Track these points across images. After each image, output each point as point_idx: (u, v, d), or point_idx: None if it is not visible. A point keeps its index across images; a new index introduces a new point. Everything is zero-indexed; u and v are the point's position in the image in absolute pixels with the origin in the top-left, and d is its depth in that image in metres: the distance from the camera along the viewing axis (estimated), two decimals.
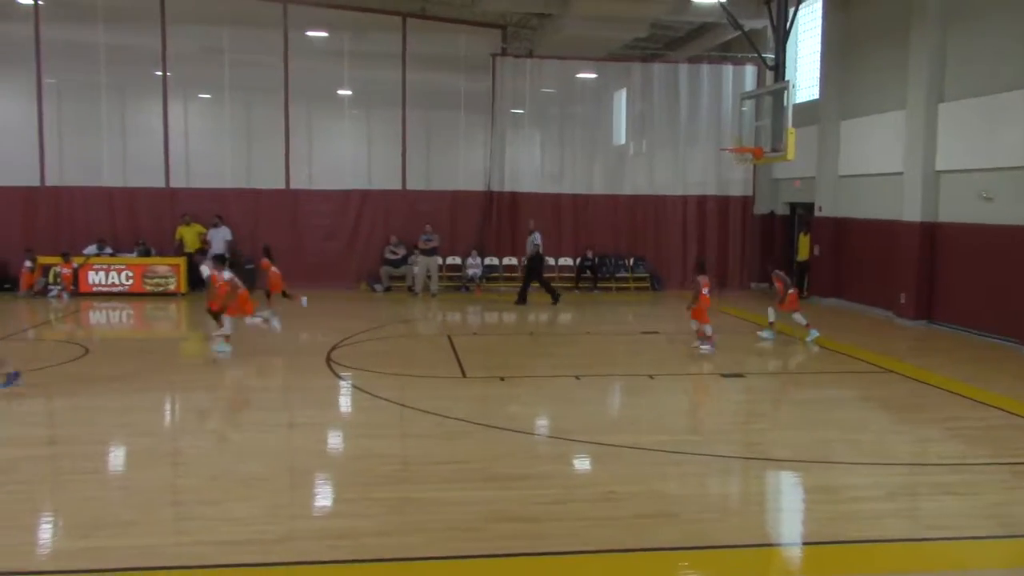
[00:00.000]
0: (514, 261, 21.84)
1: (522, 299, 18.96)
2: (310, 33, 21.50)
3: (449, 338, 14.41)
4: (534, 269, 19.10)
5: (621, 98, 24.20)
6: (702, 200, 22.34)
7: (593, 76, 22.79)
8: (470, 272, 21.31)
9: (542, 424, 9.30)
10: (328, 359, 12.11)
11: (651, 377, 11.42)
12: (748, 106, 16.57)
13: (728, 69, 22.16)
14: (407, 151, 21.96)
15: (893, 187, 16.99)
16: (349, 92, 22.57)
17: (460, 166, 22.49)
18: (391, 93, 21.70)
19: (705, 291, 12.87)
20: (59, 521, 6.18)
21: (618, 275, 22.04)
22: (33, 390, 10.44)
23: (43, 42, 20.01)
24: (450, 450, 7.93)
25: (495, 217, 21.93)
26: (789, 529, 6.58)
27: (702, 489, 7.19)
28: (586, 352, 13.53)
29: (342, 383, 10.95)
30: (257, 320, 13.02)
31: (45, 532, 6.07)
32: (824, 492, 7.00)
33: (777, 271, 14.61)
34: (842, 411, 9.78)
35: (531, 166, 22.71)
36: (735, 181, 22.21)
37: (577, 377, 11.20)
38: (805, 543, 6.19)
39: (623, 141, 24.23)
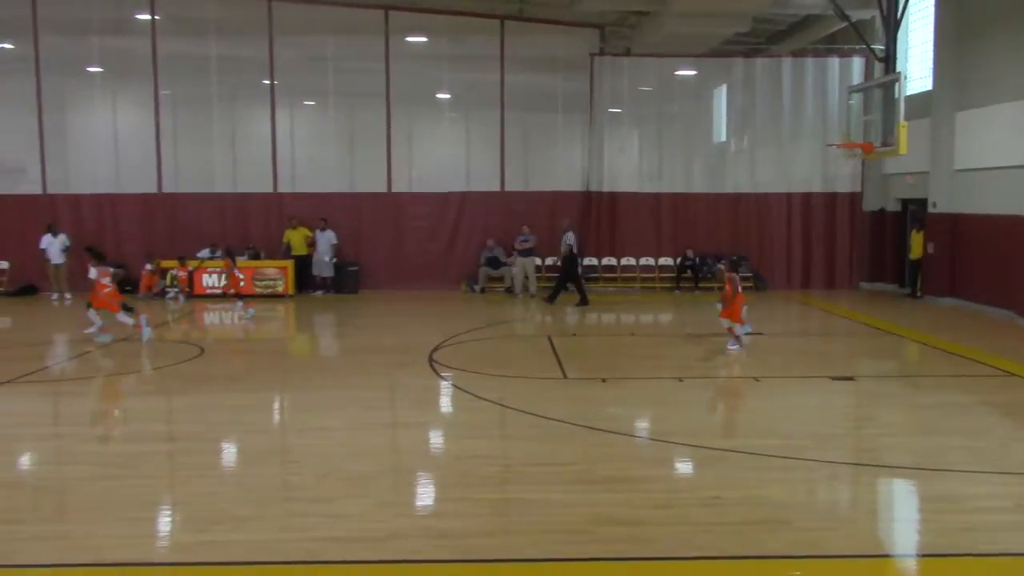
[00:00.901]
0: (613, 261, 21.73)
1: (552, 299, 18.80)
2: (410, 39, 21.87)
3: (549, 339, 14.42)
4: (568, 269, 18.87)
5: (721, 94, 23.74)
6: (807, 197, 21.70)
7: (692, 73, 22.44)
8: None
9: (644, 426, 9.20)
10: (430, 359, 12.28)
11: (756, 380, 11.15)
12: (856, 99, 16.06)
13: (834, 61, 21.44)
14: (505, 152, 22.10)
15: (1014, 181, 16.11)
16: (448, 95, 22.89)
17: (558, 167, 22.50)
18: (489, 95, 21.88)
19: (739, 288, 12.83)
20: (178, 515, 6.45)
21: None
22: (153, 388, 10.98)
23: (160, 55, 20.98)
24: (551, 452, 7.92)
25: (594, 217, 21.84)
26: (907, 540, 6.30)
27: (812, 496, 6.97)
28: (688, 354, 13.32)
29: (444, 383, 11.08)
30: (125, 318, 13.64)
31: (166, 525, 6.35)
32: (944, 501, 6.68)
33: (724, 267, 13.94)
34: (961, 417, 9.32)
35: (629, 165, 22.50)
36: (842, 177, 21.49)
37: (680, 379, 11.03)
38: (924, 555, 5.92)
39: (724, 138, 23.75)
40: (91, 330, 13.83)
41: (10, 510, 6.45)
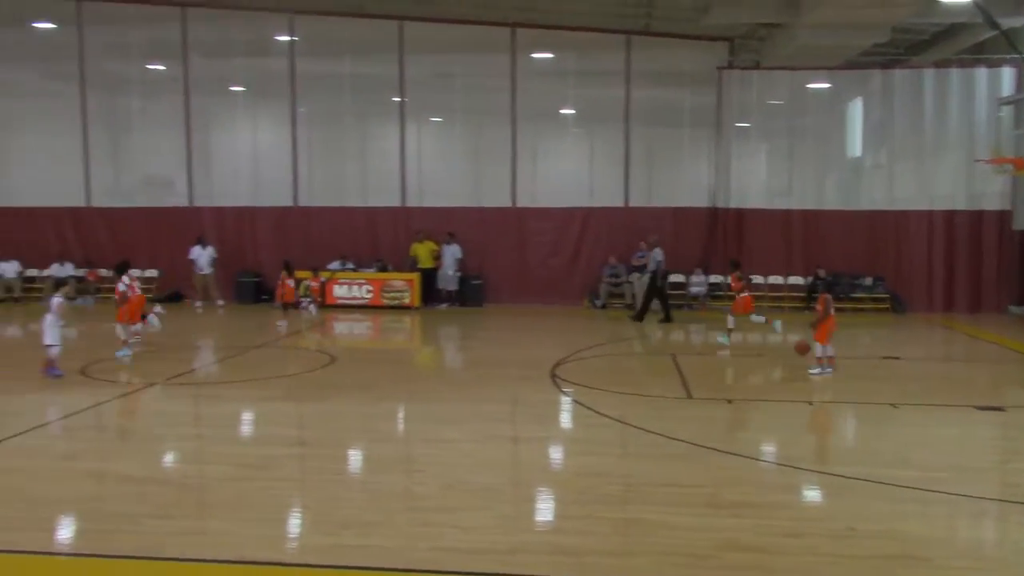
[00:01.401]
0: None
1: (639, 317, 18.70)
2: (536, 55, 22.10)
3: (673, 357, 14.21)
4: (655, 286, 18.66)
5: (856, 107, 22.86)
6: (950, 215, 20.60)
7: (826, 86, 21.72)
8: (693, 290, 20.93)
9: (772, 450, 8.92)
10: (552, 374, 12.31)
11: (894, 406, 10.64)
12: (1007, 112, 15.16)
13: (982, 72, 20.31)
14: (630, 168, 21.98)
15: None
16: (572, 111, 22.98)
17: (683, 182, 22.21)
18: (614, 110, 21.86)
19: (832, 311, 12.23)
20: (310, 518, 6.68)
21: (853, 295, 20.76)
22: (286, 394, 11.43)
23: (297, 75, 21.98)
24: (675, 472, 7.79)
25: (720, 234, 21.42)
26: None
27: (953, 532, 6.59)
28: (819, 377, 12.84)
29: (566, 399, 11.08)
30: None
31: (298, 527, 6.58)
32: None
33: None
34: None
35: (757, 181, 21.97)
36: (990, 194, 20.28)
37: (810, 403, 10.65)
38: None
39: (858, 153, 22.87)
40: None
41: (161, 506, 6.84)
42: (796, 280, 21.17)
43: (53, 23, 22.45)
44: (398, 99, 22.12)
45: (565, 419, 10.50)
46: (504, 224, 21.93)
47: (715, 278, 21.15)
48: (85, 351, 15.42)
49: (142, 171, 23.40)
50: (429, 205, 22.25)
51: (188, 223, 22.18)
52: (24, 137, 22.86)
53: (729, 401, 10.71)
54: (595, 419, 9.83)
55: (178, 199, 22.73)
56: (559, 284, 21.66)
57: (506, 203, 22.07)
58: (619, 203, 21.98)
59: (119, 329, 13.28)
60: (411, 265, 21.33)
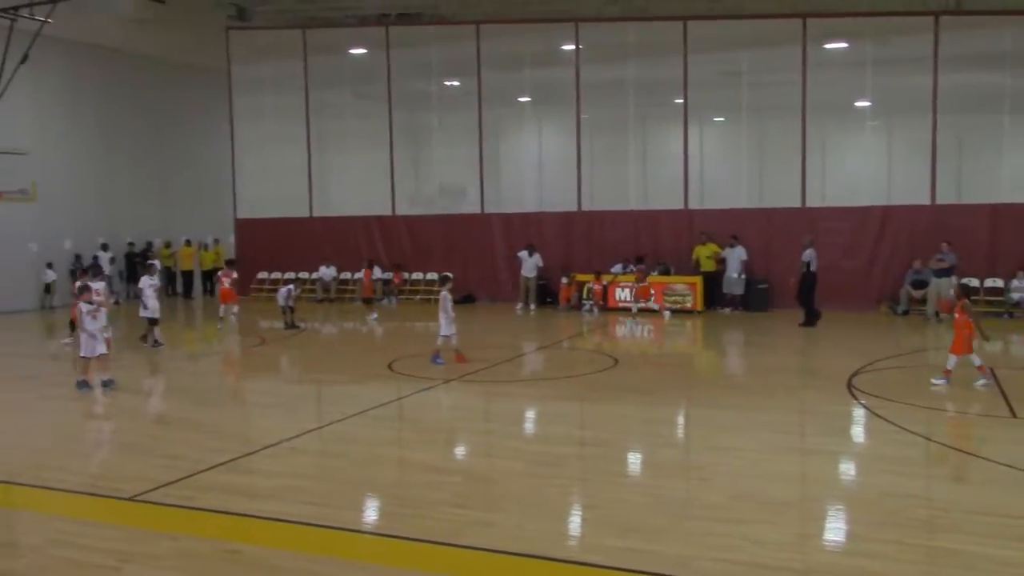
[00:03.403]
0: None
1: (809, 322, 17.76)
2: (828, 45, 20.87)
3: (991, 371, 12.71)
4: (806, 286, 17.72)
5: None
6: None
7: None
8: (1015, 296, 18.64)
9: None
10: (849, 384, 11.49)
11: None
12: None
13: None
14: (937, 161, 20.05)
15: None
16: (868, 103, 21.37)
17: (1000, 175, 19.87)
18: (917, 99, 20.07)
19: (970, 318, 11.10)
20: (597, 518, 6.71)
21: None
22: (572, 394, 11.66)
23: (581, 82, 22.45)
24: (993, 500, 6.91)
25: None
26: None
27: None
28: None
29: (864, 412, 10.28)
30: None
31: (586, 527, 6.64)
32: None
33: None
34: None
35: None
36: None
37: None
38: None
39: None
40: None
41: (457, 495, 7.23)
42: None
43: (364, 48, 24.77)
44: (681, 100, 21.84)
45: (864, 433, 9.74)
46: (792, 225, 20.85)
47: None
48: (391, 348, 16.82)
49: (438, 181, 25.13)
50: (712, 207, 21.76)
51: (479, 229, 23.50)
52: (340, 154, 25.43)
53: None
54: (899, 435, 9.01)
55: (471, 206, 24.12)
56: (853, 288, 20.21)
57: (794, 203, 20.99)
58: (923, 200, 20.10)
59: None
60: (694, 268, 20.97)
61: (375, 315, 20.31)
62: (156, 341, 15.75)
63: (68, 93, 25.02)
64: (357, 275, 24.40)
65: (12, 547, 6.44)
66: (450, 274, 15.40)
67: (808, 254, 17.94)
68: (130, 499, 7.13)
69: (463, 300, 22.71)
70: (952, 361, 11.27)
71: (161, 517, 6.77)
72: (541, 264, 21.93)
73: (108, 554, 5.95)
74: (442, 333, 13.27)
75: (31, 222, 23.30)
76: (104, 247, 24.94)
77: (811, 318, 17.88)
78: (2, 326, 18.52)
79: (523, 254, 22.03)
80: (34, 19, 18.74)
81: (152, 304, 15.58)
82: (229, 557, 5.90)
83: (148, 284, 15.76)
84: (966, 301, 11.46)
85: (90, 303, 11.74)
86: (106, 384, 11.91)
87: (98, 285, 13.98)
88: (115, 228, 26.14)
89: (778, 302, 20.44)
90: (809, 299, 17.97)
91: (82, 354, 11.84)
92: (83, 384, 11.80)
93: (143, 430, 10.14)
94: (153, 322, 15.75)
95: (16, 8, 18.37)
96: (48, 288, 23.90)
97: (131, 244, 26.65)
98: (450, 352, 13.43)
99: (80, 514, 6.92)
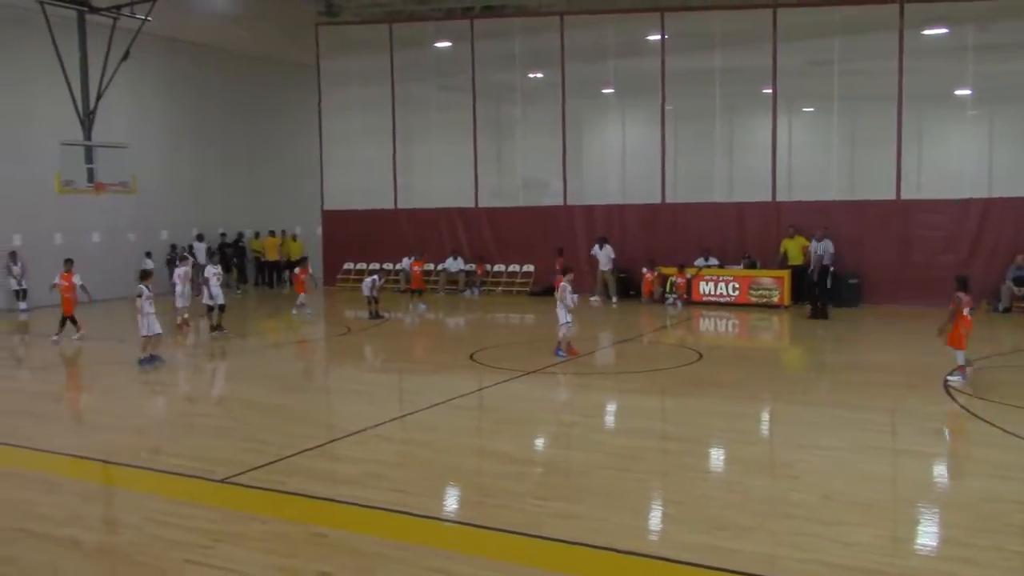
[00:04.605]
0: None
1: (822, 315, 17.97)
2: (927, 31, 20.03)
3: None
4: (820, 278, 18.06)
5: None
6: None
7: None
8: None
9: None
10: (945, 384, 11.04)
11: None
12: None
13: None
14: None
15: None
16: (969, 91, 20.45)
17: None
18: (1021, 87, 19.09)
19: (966, 311, 11.05)
20: (681, 514, 6.60)
21: None
22: (655, 388, 11.53)
23: (666, 72, 22.13)
24: None
25: None
26: None
27: None
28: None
29: (962, 412, 9.87)
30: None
31: (669, 522, 6.54)
32: None
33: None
34: None
35: None
36: None
37: None
38: None
39: None
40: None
41: (539, 486, 7.24)
42: None
43: (449, 41, 24.95)
44: (769, 90, 21.32)
45: (961, 435, 9.35)
46: (885, 218, 20.16)
47: None
48: (472, 339, 16.94)
49: (521, 173, 25.14)
50: (800, 199, 21.18)
51: (560, 221, 23.41)
52: (424, 146, 25.68)
53: None
54: (1001, 438, 8.62)
55: (553, 198, 24.05)
56: (950, 284, 19.25)
57: (888, 195, 20.24)
58: None
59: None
60: (781, 262, 20.46)
61: (423, 305, 21.02)
62: (220, 327, 16.53)
63: (165, 88, 25.92)
64: (440, 266, 24.65)
65: (113, 523, 6.71)
66: (570, 265, 15.34)
67: (822, 246, 18.05)
68: (221, 481, 7.36)
69: (544, 292, 22.67)
70: (960, 356, 11.15)
71: (251, 499, 6.96)
72: (613, 255, 21.67)
73: (202, 533, 6.15)
74: (561, 322, 13.29)
75: (130, 213, 24.24)
76: (200, 237, 25.77)
77: (822, 310, 18.07)
78: (104, 313, 19.32)
79: (595, 249, 21.87)
80: (135, 17, 19.43)
81: (216, 291, 16.56)
82: (316, 540, 6.02)
83: (213, 273, 16.81)
84: (960, 295, 11.34)
85: (149, 288, 13.09)
86: (155, 359, 13.17)
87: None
88: (208, 219, 27.01)
89: (869, 297, 19.80)
90: (822, 292, 18.18)
91: (143, 333, 13.04)
92: (144, 360, 13.03)
93: (233, 415, 10.44)
94: (221, 308, 16.62)
95: (119, 7, 19.08)
96: None
97: (223, 235, 27.47)
98: (565, 342, 13.45)
99: (174, 494, 7.16)
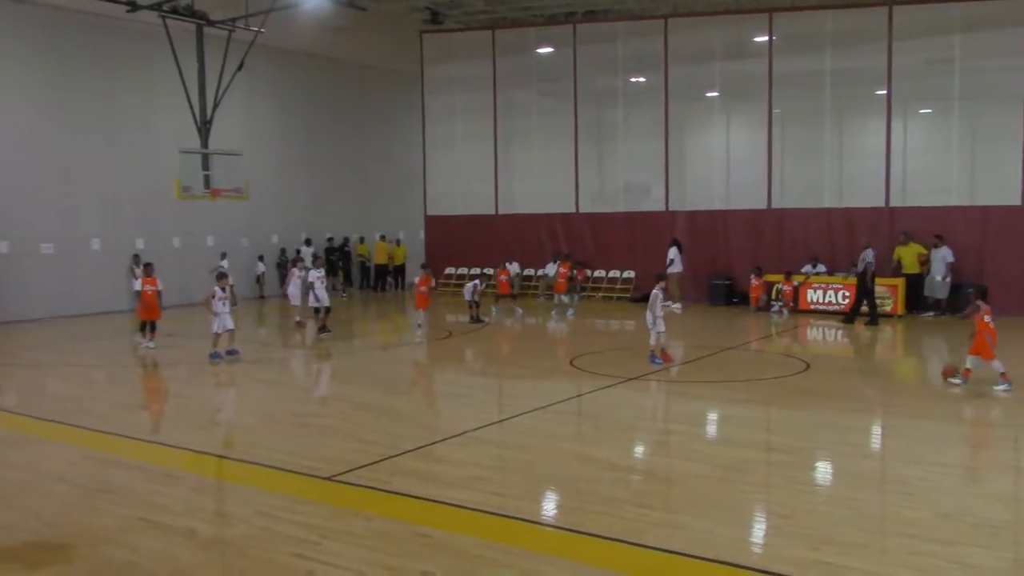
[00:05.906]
0: None
1: (850, 319, 18.31)
2: None
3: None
4: (863, 286, 18.03)
5: None
6: None
7: None
8: None
9: None
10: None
11: None
12: None
13: None
14: None
15: None
16: None
17: None
18: None
19: (988, 319, 11.16)
20: (787, 527, 6.41)
21: None
22: (760, 397, 11.24)
23: (774, 74, 21.59)
24: None
25: None
26: None
27: None
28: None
29: None
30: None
31: (775, 535, 6.35)
32: None
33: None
34: None
35: None
36: None
37: None
38: None
39: None
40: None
41: (640, 494, 7.15)
42: None
43: (551, 46, 25.01)
44: (883, 92, 20.53)
45: None
46: (1009, 224, 19.13)
47: None
48: (573, 344, 16.92)
49: (622, 178, 24.97)
50: (915, 204, 20.31)
51: (663, 227, 23.10)
52: (526, 151, 25.82)
53: None
54: None
55: (654, 204, 23.78)
56: None
57: (1012, 200, 19.22)
58: None
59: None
60: (894, 270, 19.67)
61: (520, 310, 21.42)
62: (325, 327, 17.04)
63: (276, 97, 26.88)
64: (540, 271, 24.70)
65: (225, 517, 6.98)
66: (663, 273, 15.38)
67: (868, 253, 18.08)
68: (328, 478, 7.55)
69: (643, 299, 22.37)
70: (971, 361, 11.32)
71: (356, 497, 7.12)
72: (672, 259, 21.14)
73: (310, 529, 6.32)
74: (654, 331, 13.20)
75: (243, 219, 25.24)
76: (307, 242, 26.58)
77: (874, 316, 18.14)
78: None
79: (672, 251, 21.28)
80: (249, 29, 20.21)
81: (322, 294, 17.15)
82: (420, 540, 6.11)
83: (316, 276, 17.37)
84: (979, 303, 11.36)
85: (224, 289, 13.95)
86: (231, 353, 14.02)
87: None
88: (316, 224, 27.84)
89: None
90: (870, 296, 18.20)
91: (215, 330, 13.85)
92: (215, 356, 13.83)
93: (339, 414, 10.71)
94: (327, 311, 17.23)
95: (234, 19, 19.88)
96: (259, 279, 25.92)
97: (330, 239, 28.25)
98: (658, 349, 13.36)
99: (283, 489, 7.39)
